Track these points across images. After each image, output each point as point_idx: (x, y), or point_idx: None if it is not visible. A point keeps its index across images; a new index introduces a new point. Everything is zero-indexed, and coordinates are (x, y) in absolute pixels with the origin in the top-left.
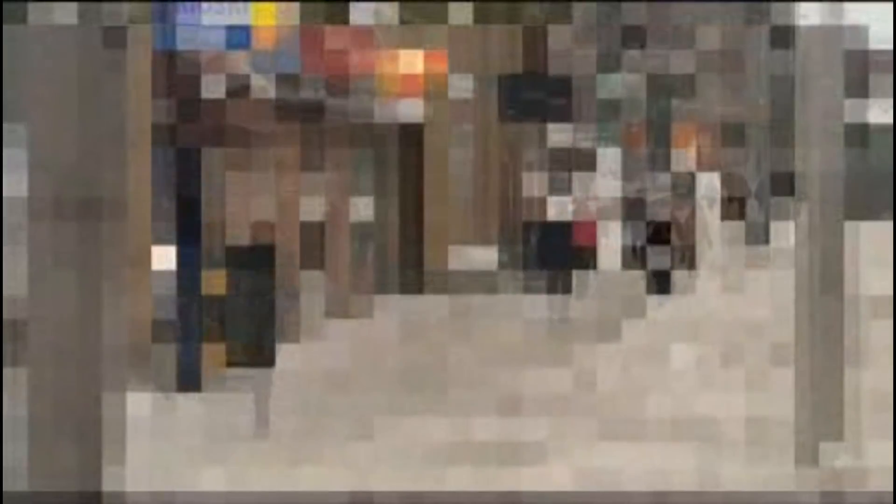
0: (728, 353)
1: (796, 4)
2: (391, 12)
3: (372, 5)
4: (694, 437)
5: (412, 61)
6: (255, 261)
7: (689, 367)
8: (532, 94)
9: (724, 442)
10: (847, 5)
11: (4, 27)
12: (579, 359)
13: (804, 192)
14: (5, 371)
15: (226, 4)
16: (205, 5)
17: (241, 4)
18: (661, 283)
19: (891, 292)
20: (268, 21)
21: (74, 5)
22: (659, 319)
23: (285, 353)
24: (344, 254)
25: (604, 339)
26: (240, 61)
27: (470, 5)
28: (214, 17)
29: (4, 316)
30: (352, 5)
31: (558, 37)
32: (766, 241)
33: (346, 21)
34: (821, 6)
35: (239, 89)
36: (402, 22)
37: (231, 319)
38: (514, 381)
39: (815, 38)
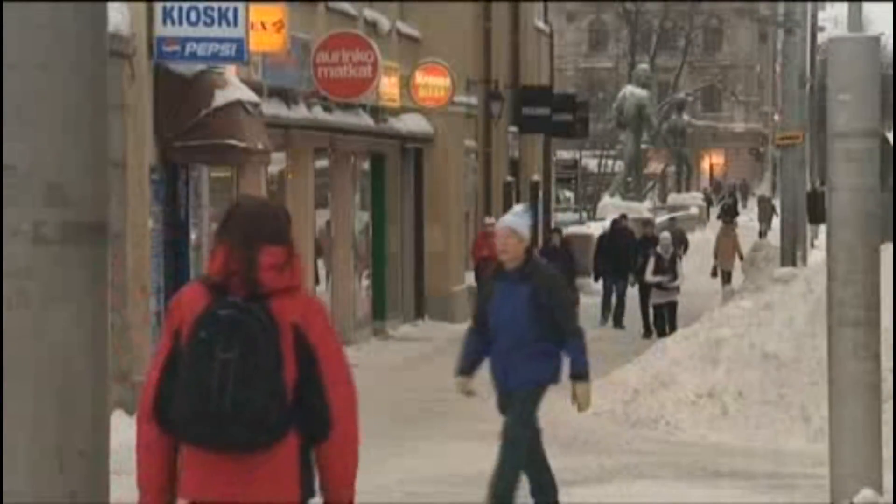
0: (743, 383)
1: (811, 23)
2: (388, 23)
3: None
4: (707, 471)
5: (412, 76)
6: None
7: (702, 397)
8: (537, 110)
9: (741, 476)
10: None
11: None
12: None
13: (831, 216)
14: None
15: (225, 4)
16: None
17: (239, 5)
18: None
19: None
20: (267, 24)
21: (74, 5)
22: (668, 347)
23: None
24: (342, 278)
25: (612, 366)
26: (234, 77)
27: (470, 5)
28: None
29: None
30: (351, 6)
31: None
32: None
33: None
34: (845, 25)
35: (233, 106)
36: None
37: None
38: None
39: (839, 54)
